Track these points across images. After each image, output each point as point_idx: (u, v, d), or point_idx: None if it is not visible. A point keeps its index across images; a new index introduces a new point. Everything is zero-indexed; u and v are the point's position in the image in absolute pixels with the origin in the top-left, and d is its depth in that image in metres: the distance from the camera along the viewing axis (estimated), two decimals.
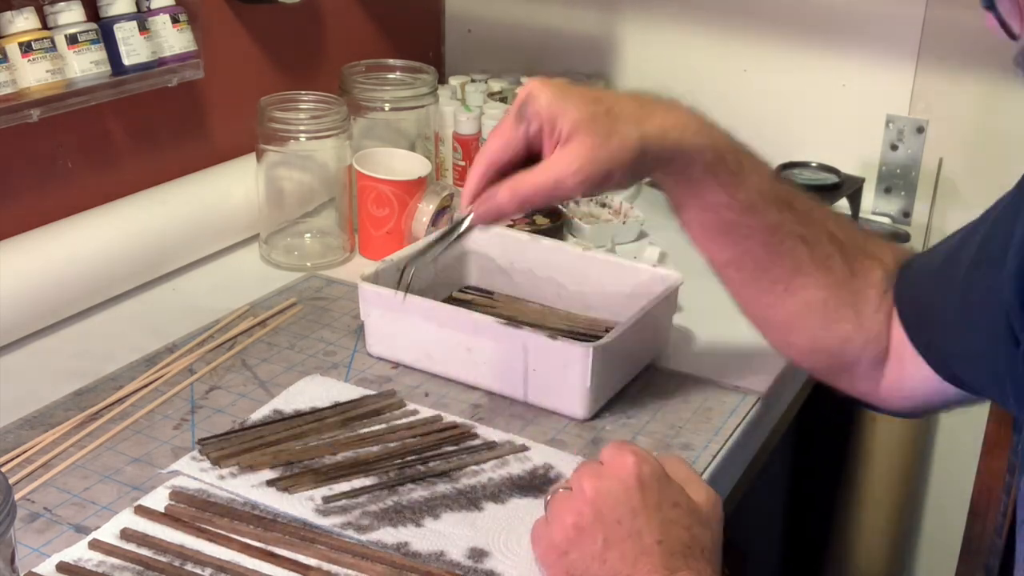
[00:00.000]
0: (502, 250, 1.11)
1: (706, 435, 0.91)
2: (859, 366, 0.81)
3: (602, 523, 0.68)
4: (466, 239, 0.82)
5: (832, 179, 1.26)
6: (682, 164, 0.77)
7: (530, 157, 0.77)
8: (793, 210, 0.79)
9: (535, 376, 0.92)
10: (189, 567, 0.73)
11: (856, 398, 0.84)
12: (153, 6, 1.11)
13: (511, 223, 1.25)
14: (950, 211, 1.38)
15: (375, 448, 0.87)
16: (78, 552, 0.74)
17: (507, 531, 0.78)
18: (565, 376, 0.90)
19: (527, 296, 1.11)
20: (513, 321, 0.93)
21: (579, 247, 1.10)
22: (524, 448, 0.87)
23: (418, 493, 0.81)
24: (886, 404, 0.83)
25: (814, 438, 1.49)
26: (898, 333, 0.79)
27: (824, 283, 0.79)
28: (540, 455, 0.87)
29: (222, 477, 0.82)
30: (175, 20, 1.12)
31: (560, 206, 1.31)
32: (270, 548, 0.75)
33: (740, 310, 0.85)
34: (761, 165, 0.80)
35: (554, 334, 0.91)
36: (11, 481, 0.80)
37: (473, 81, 1.47)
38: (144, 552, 0.74)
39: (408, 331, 0.98)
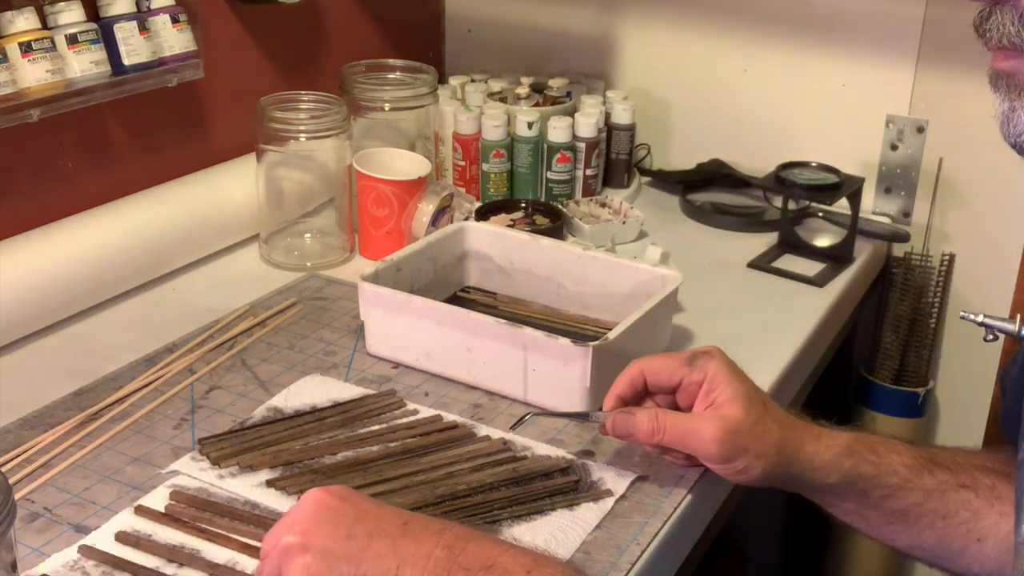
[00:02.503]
0: (502, 250, 1.11)
1: None
2: None
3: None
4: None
5: (832, 179, 1.26)
6: (816, 482, 0.80)
7: (672, 391, 0.82)
8: (940, 466, 0.80)
9: (535, 376, 0.92)
10: (185, 571, 0.73)
11: None
12: (153, 6, 1.11)
13: (511, 223, 1.26)
14: (950, 211, 1.38)
15: (375, 448, 0.87)
16: (70, 555, 0.74)
17: (508, 531, 0.78)
18: (565, 376, 0.90)
19: (527, 296, 1.11)
20: (513, 321, 0.93)
21: (579, 247, 1.10)
22: (525, 449, 0.87)
23: (418, 493, 0.81)
24: None
25: None
26: None
27: (1005, 511, 0.78)
28: (540, 454, 0.87)
29: (222, 477, 0.82)
30: (175, 20, 1.12)
31: (560, 206, 1.31)
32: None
33: None
34: (892, 442, 0.81)
35: (554, 334, 0.91)
36: (11, 481, 0.80)
37: (473, 81, 1.47)
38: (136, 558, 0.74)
39: (408, 331, 0.98)
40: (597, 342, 0.89)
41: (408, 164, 1.21)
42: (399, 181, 1.18)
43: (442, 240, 1.10)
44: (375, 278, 1.00)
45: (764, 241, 1.31)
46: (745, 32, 1.44)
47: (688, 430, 0.79)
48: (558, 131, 1.34)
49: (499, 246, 1.12)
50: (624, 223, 1.30)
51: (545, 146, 1.35)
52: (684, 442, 0.79)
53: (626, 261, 1.06)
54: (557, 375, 0.91)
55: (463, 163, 1.37)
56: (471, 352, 0.95)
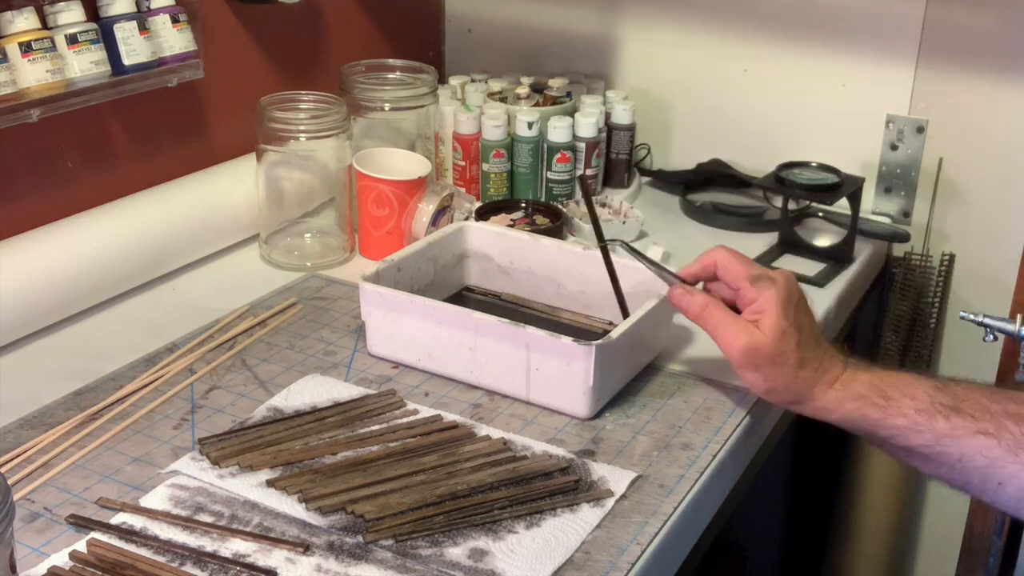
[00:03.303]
0: (502, 250, 1.11)
1: (706, 435, 0.91)
2: None
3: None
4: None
5: (832, 179, 1.26)
6: (823, 418, 0.89)
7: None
8: (960, 412, 0.82)
9: (537, 375, 0.92)
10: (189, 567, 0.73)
11: None
12: (153, 6, 1.11)
13: (511, 223, 1.26)
14: (950, 211, 1.38)
15: (375, 448, 0.87)
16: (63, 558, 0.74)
17: (508, 531, 0.78)
18: (568, 375, 0.90)
19: (527, 296, 1.11)
20: (515, 320, 0.93)
21: (579, 247, 1.10)
22: (525, 448, 0.87)
23: (418, 493, 0.81)
24: None
25: (814, 438, 1.49)
26: None
27: None
28: (539, 454, 0.87)
29: (222, 477, 0.82)
30: (175, 20, 1.12)
31: (560, 206, 1.31)
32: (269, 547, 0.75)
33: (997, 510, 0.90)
34: (914, 385, 0.86)
35: (557, 333, 0.91)
36: (11, 481, 0.80)
37: (473, 81, 1.47)
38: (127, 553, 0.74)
39: (409, 331, 0.98)
40: (600, 341, 0.89)
41: (408, 164, 1.21)
42: (399, 181, 1.18)
43: (442, 240, 1.10)
44: (376, 278, 1.00)
45: (764, 241, 1.31)
46: (745, 32, 1.44)
47: (724, 327, 0.89)
48: (558, 131, 1.34)
49: (499, 246, 1.12)
50: (624, 223, 1.30)
51: (545, 146, 1.35)
52: (716, 336, 0.89)
53: (626, 260, 1.06)
54: (560, 374, 0.91)
55: (463, 163, 1.37)
56: (473, 352, 0.95)
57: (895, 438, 0.85)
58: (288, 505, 0.79)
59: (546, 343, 0.91)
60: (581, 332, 1.04)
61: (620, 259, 1.07)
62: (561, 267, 1.09)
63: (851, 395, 0.86)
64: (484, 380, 0.96)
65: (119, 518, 0.78)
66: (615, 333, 0.91)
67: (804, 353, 0.87)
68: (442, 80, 1.48)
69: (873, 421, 0.85)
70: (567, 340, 0.90)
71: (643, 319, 0.95)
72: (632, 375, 0.98)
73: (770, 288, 0.88)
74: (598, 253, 1.08)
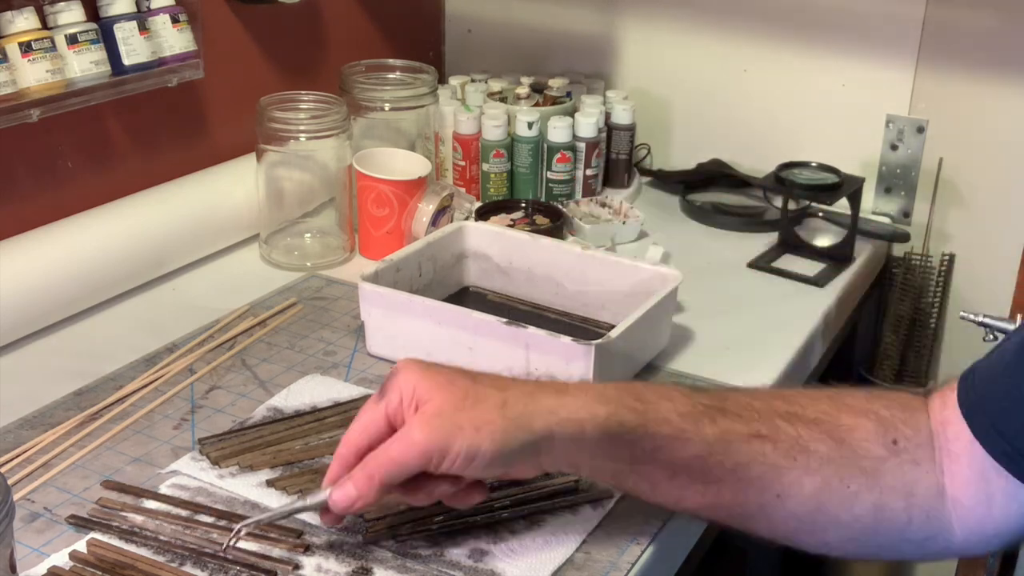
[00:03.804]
0: (501, 250, 1.11)
1: None
2: (912, 525, 0.71)
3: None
4: None
5: (832, 179, 1.26)
6: (567, 437, 0.68)
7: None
8: (727, 413, 0.70)
9: (537, 375, 0.92)
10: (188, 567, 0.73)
11: (936, 559, 0.75)
12: (153, 6, 1.11)
13: (511, 223, 1.26)
14: (950, 211, 1.38)
15: None
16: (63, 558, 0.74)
17: (508, 531, 0.78)
18: (567, 375, 0.90)
19: (527, 296, 1.11)
20: (515, 320, 0.93)
21: (578, 246, 1.10)
22: None
23: None
24: (972, 548, 0.72)
25: None
26: (973, 459, 0.69)
27: (811, 467, 0.70)
28: None
29: (222, 477, 0.82)
30: (175, 20, 1.12)
31: (560, 206, 1.31)
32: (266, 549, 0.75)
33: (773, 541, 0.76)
34: (665, 388, 0.72)
35: (556, 333, 0.91)
36: (11, 481, 0.80)
37: (473, 81, 1.47)
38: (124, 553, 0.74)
39: (409, 331, 0.98)
40: (600, 340, 0.89)
41: (408, 164, 1.21)
42: (399, 181, 1.18)
43: (442, 240, 1.10)
44: (375, 278, 1.00)
45: (764, 241, 1.31)
46: (745, 32, 1.44)
47: (393, 447, 0.68)
48: (558, 131, 1.34)
49: (498, 246, 1.12)
50: (624, 223, 1.30)
51: (545, 146, 1.35)
52: (395, 459, 0.67)
53: (626, 260, 1.06)
54: (559, 374, 0.91)
55: (463, 163, 1.37)
56: (472, 351, 0.95)
57: (658, 452, 0.69)
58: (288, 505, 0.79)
59: (545, 343, 0.91)
60: (580, 332, 1.04)
61: (619, 258, 1.07)
62: (560, 267, 1.09)
63: (598, 398, 0.69)
64: None
65: (119, 518, 0.78)
66: (615, 333, 0.91)
67: (491, 380, 0.71)
68: (442, 80, 1.48)
69: (631, 430, 0.68)
70: (566, 340, 0.90)
71: (643, 319, 0.95)
72: (632, 375, 0.98)
73: (395, 377, 0.71)
74: (597, 253, 1.08)
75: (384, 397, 0.70)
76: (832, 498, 0.70)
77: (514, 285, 1.12)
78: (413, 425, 0.67)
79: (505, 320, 0.93)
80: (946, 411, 0.72)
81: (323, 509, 0.71)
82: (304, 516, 0.78)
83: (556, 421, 0.68)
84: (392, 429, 0.70)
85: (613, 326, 0.93)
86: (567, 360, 0.90)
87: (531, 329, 0.91)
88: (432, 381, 0.69)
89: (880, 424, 0.72)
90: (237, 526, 0.72)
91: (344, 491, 0.69)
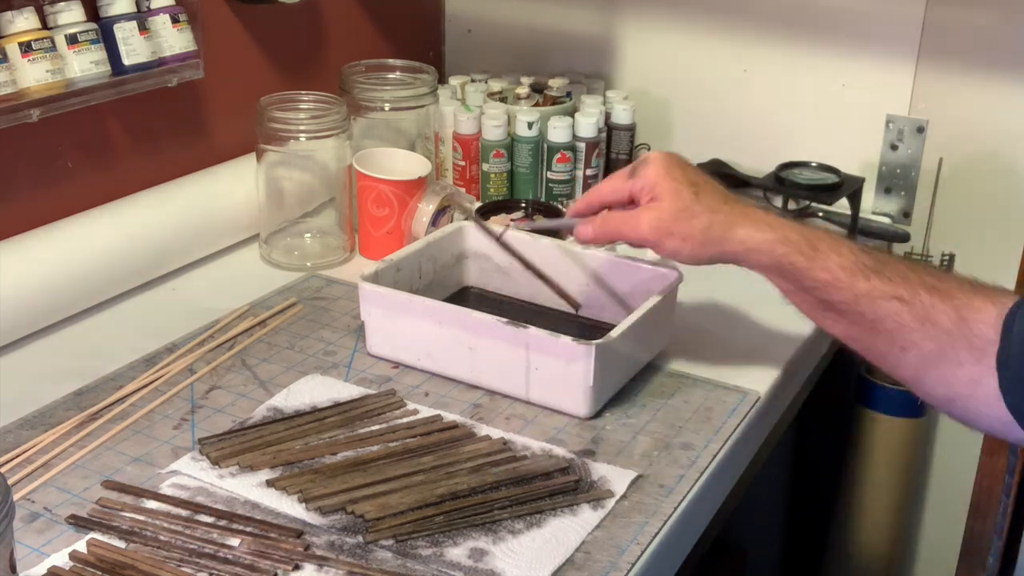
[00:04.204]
0: (501, 249, 1.11)
1: (706, 435, 0.91)
2: (989, 400, 0.80)
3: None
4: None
5: (832, 179, 1.26)
6: (752, 262, 0.88)
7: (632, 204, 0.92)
8: (881, 275, 0.82)
9: (537, 375, 0.92)
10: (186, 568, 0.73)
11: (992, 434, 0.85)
12: (153, 6, 1.11)
13: (511, 223, 1.25)
14: (950, 211, 1.38)
15: (375, 448, 0.87)
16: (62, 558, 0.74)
17: (508, 531, 0.78)
18: (568, 374, 0.90)
19: (526, 296, 1.11)
20: (515, 320, 0.93)
21: (578, 247, 1.10)
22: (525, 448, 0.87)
23: (418, 493, 0.81)
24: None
25: (814, 438, 1.49)
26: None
27: (932, 334, 0.80)
28: (539, 454, 0.87)
29: (222, 477, 0.82)
30: (175, 20, 1.12)
31: (560, 206, 1.31)
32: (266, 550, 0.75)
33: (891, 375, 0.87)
34: (839, 243, 0.85)
35: (556, 333, 0.91)
36: (11, 481, 0.80)
37: (473, 81, 1.47)
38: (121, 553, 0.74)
39: (409, 331, 0.98)
40: (600, 340, 0.89)
41: (408, 164, 1.21)
42: (399, 181, 1.18)
43: (442, 240, 1.10)
44: (375, 278, 1.00)
45: None
46: (745, 32, 1.44)
47: (624, 222, 0.90)
48: (558, 131, 1.34)
49: (498, 245, 1.11)
50: None
51: (545, 146, 1.35)
52: (624, 234, 0.90)
53: (626, 260, 1.06)
54: (560, 374, 0.91)
55: (463, 163, 1.37)
56: (473, 351, 0.95)
57: (816, 291, 0.85)
58: (288, 505, 0.79)
59: (546, 343, 0.91)
60: (580, 332, 1.04)
61: (619, 258, 1.07)
62: (560, 267, 1.08)
63: (781, 238, 0.86)
64: (484, 380, 0.96)
65: (119, 518, 0.78)
66: (615, 333, 0.91)
67: (709, 201, 0.88)
68: (442, 80, 1.48)
69: (799, 270, 0.85)
70: (567, 339, 0.90)
71: (643, 319, 0.95)
72: (632, 374, 0.98)
73: (646, 167, 0.90)
74: (598, 253, 1.08)
75: (632, 179, 0.91)
76: (942, 363, 0.80)
77: (514, 285, 1.12)
78: (644, 217, 0.89)
79: (505, 320, 0.93)
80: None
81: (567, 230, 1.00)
82: (304, 516, 0.78)
83: (743, 250, 0.87)
84: (630, 199, 0.92)
85: (613, 326, 0.93)
86: (567, 360, 0.90)
87: (531, 329, 0.91)
88: (668, 184, 0.88)
89: (1002, 310, 0.80)
90: (504, 229, 1.02)
91: (586, 230, 0.93)
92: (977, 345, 0.79)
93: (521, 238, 1.11)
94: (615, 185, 0.93)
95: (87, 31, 1.03)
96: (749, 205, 0.89)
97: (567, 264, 1.08)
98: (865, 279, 0.83)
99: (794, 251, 0.85)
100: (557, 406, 0.93)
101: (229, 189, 1.22)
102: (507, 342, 0.93)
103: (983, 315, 0.79)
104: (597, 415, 0.93)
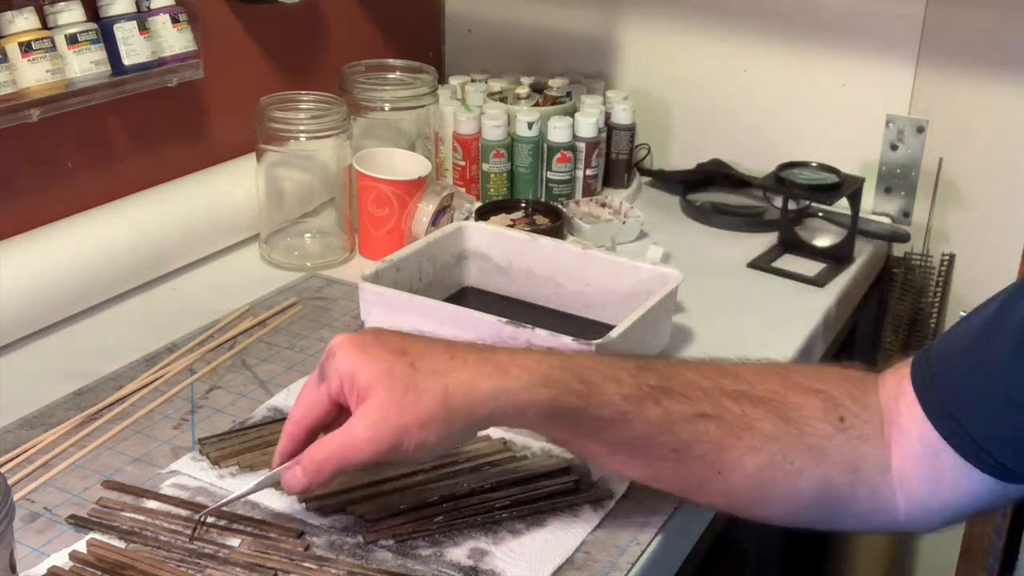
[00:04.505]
0: (501, 250, 1.11)
1: None
2: (856, 499, 0.72)
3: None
4: None
5: (832, 179, 1.26)
6: (513, 420, 0.70)
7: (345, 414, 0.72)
8: (674, 394, 0.71)
9: None
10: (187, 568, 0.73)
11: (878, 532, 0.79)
12: (153, 6, 1.11)
13: (511, 223, 1.26)
14: (950, 211, 1.38)
15: None
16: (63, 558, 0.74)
17: (508, 531, 0.78)
18: None
19: (526, 296, 1.11)
20: (515, 319, 0.93)
21: (578, 246, 1.10)
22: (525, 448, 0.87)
23: (418, 493, 0.81)
24: (916, 523, 0.74)
25: None
26: (923, 435, 0.71)
27: (755, 445, 0.71)
28: (540, 454, 0.87)
29: (222, 477, 0.82)
30: (175, 20, 1.12)
31: (560, 206, 1.31)
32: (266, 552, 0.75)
33: (711, 510, 0.78)
34: (613, 366, 0.72)
35: (557, 332, 0.91)
36: (11, 481, 0.80)
37: (473, 81, 1.47)
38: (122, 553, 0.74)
39: (409, 330, 0.97)
40: (601, 340, 0.89)
41: (408, 164, 1.21)
42: (399, 181, 1.18)
43: (441, 240, 1.10)
44: (375, 278, 1.00)
45: (764, 241, 1.31)
46: (745, 32, 1.44)
47: (342, 446, 0.68)
48: (558, 131, 1.34)
49: (498, 246, 1.11)
50: (624, 223, 1.30)
51: (545, 146, 1.35)
52: (345, 460, 0.69)
53: (626, 260, 1.06)
54: None
55: (463, 163, 1.37)
56: None
57: (600, 433, 0.70)
58: (288, 505, 0.79)
59: (546, 343, 0.91)
60: (580, 332, 1.04)
61: (619, 258, 1.07)
62: (560, 267, 1.09)
63: (541, 380, 0.69)
64: None
65: (119, 518, 0.78)
66: (615, 333, 0.91)
67: (431, 364, 0.69)
68: (442, 80, 1.48)
69: (574, 413, 0.69)
70: (567, 340, 0.90)
71: (643, 319, 0.95)
72: None
73: (333, 359, 0.71)
74: (597, 253, 1.08)
75: (325, 381, 0.71)
76: (775, 474, 0.71)
77: (514, 285, 1.12)
78: (359, 426, 0.68)
79: (506, 320, 0.93)
80: (900, 386, 0.74)
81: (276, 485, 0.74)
82: (305, 516, 0.78)
83: (498, 406, 0.69)
84: (338, 407, 0.72)
85: (613, 326, 0.93)
86: None
87: (532, 329, 0.91)
88: (371, 370, 0.68)
89: (828, 401, 0.73)
90: (199, 515, 0.75)
91: (295, 478, 0.71)
92: (813, 444, 0.70)
93: (520, 237, 1.11)
94: (309, 399, 0.72)
95: (87, 31, 1.03)
96: (485, 349, 0.71)
97: (567, 264, 1.08)
98: (655, 403, 0.70)
99: (562, 392, 0.69)
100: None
101: (229, 189, 1.22)
102: (507, 342, 0.92)
103: (808, 410, 0.71)
104: None
